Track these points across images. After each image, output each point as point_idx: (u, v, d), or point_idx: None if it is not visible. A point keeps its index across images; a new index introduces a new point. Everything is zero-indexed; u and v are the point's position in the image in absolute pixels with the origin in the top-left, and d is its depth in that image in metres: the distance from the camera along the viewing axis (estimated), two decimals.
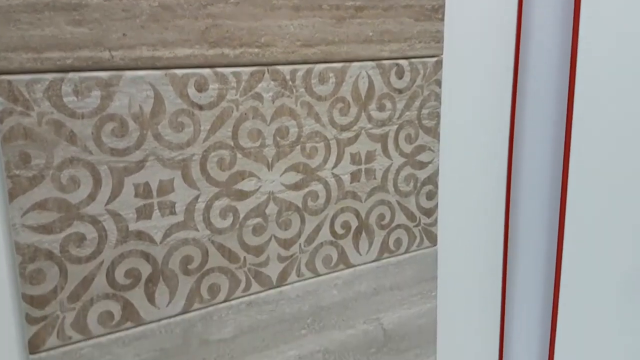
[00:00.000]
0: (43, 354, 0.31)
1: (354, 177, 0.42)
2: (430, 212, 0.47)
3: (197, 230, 0.35)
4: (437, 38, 0.43)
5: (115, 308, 0.33)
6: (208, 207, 0.36)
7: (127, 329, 0.34)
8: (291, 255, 0.40)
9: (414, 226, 0.46)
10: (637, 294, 0.46)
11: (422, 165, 0.45)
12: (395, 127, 0.43)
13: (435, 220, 0.47)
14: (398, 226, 0.45)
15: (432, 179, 0.46)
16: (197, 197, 0.35)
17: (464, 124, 0.48)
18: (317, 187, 0.40)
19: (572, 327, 0.49)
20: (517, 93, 0.49)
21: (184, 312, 0.36)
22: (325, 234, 0.41)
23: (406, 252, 0.46)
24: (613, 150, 0.49)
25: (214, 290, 0.37)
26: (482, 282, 0.52)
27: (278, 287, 0.40)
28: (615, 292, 0.47)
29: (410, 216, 0.46)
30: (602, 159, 0.49)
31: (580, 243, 0.48)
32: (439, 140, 0.46)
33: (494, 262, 0.53)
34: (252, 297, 0.39)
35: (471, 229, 0.51)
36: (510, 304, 0.55)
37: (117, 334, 0.34)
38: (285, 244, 0.39)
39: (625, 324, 0.48)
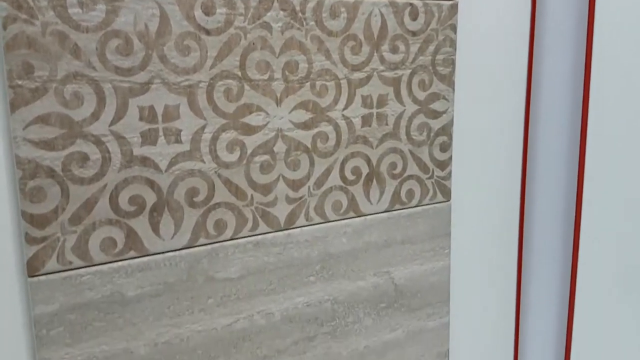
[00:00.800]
0: (42, 277, 0.31)
1: (365, 121, 0.41)
2: (444, 165, 0.46)
3: (203, 162, 0.35)
4: None
5: (119, 235, 0.33)
6: (215, 139, 0.35)
7: (130, 258, 0.33)
8: (300, 198, 0.39)
9: (427, 178, 0.45)
10: None
11: (436, 114, 0.44)
12: (409, 71, 0.42)
13: (449, 174, 0.46)
14: (410, 177, 0.44)
15: (447, 130, 0.45)
16: (203, 127, 0.34)
17: (480, 73, 0.47)
18: (327, 128, 0.39)
19: (592, 278, 0.47)
20: (535, 43, 0.48)
21: (189, 246, 0.35)
22: (335, 179, 0.40)
23: (418, 205, 0.45)
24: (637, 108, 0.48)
25: (220, 226, 0.36)
26: (497, 241, 0.51)
27: (286, 229, 0.39)
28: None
29: (423, 167, 0.44)
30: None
31: (601, 195, 0.47)
32: (453, 90, 0.45)
33: (510, 221, 0.51)
34: (259, 237, 0.38)
35: (486, 185, 0.49)
36: (527, 263, 0.53)
37: (120, 263, 0.33)
38: (294, 185, 0.38)
39: None
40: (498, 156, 0.49)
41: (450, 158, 0.46)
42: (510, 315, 0.52)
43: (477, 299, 0.50)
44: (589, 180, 0.48)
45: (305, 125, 0.38)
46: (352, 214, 0.42)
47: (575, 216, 0.49)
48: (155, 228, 0.34)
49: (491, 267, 0.51)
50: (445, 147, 0.45)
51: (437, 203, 0.46)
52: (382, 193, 0.43)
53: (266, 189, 0.37)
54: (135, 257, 0.33)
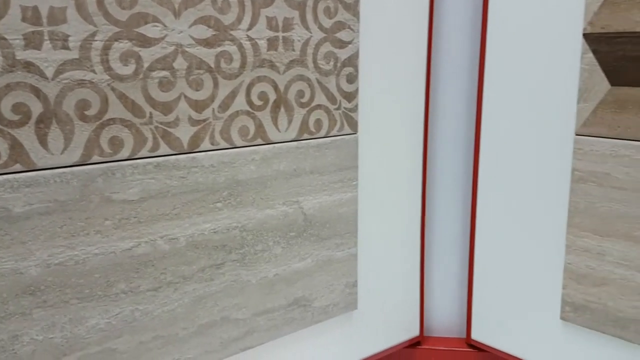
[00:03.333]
0: None
1: (271, 44, 0.40)
2: (350, 97, 0.46)
3: (94, 72, 0.33)
4: None
5: (2, 146, 0.30)
6: (106, 48, 0.33)
7: (16, 172, 0.31)
8: (204, 120, 0.38)
9: (334, 109, 0.45)
10: None
11: (342, 44, 0.44)
12: None
13: (356, 106, 0.47)
14: (318, 106, 0.44)
15: (353, 61, 0.45)
16: (93, 34, 0.32)
17: (385, 5, 0.47)
18: (231, 48, 0.38)
19: (491, 208, 0.50)
20: None
21: (81, 163, 0.33)
22: (241, 102, 0.39)
23: (327, 135, 0.45)
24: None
25: (115, 144, 0.34)
26: (403, 173, 0.52)
27: (190, 153, 0.38)
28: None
29: (331, 98, 0.45)
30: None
31: (497, 122, 0.49)
32: (358, 20, 0.45)
33: (415, 154, 0.52)
34: (161, 159, 0.36)
35: (392, 118, 0.50)
36: (431, 195, 0.55)
37: (5, 176, 0.30)
38: (197, 106, 0.37)
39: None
40: (403, 89, 0.50)
41: (357, 90, 0.46)
42: (416, 246, 0.54)
43: (384, 230, 0.51)
44: (486, 110, 0.50)
45: (207, 43, 0.37)
46: (260, 140, 0.41)
47: (475, 144, 0.51)
48: (42, 141, 0.31)
49: (397, 199, 0.52)
50: (352, 79, 0.46)
51: (344, 135, 0.46)
52: (290, 121, 0.43)
53: (166, 108, 0.36)
54: (21, 171, 0.31)
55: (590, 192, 0.43)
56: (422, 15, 0.50)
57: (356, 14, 0.45)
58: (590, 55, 0.42)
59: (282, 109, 0.42)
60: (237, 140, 0.40)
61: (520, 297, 0.50)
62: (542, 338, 0.49)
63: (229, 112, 0.39)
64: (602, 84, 0.41)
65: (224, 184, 0.40)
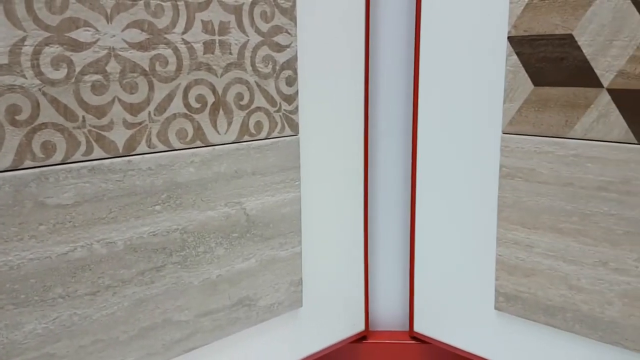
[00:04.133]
0: None
1: (208, 47, 0.41)
2: (290, 99, 0.47)
3: (24, 77, 0.33)
4: None
5: None
6: (37, 53, 0.33)
7: None
8: (140, 123, 0.38)
9: (274, 111, 0.46)
10: None
11: (280, 47, 0.45)
12: (249, 0, 0.43)
13: (296, 108, 0.48)
14: (258, 109, 0.45)
15: (291, 65, 0.46)
16: (23, 39, 0.32)
17: (321, 9, 0.48)
18: (166, 51, 0.39)
19: (429, 205, 0.52)
20: None
21: (13, 168, 0.33)
22: (178, 105, 0.40)
23: (268, 137, 0.46)
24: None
25: (48, 148, 0.34)
26: (345, 173, 0.53)
27: (125, 156, 0.38)
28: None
29: (271, 100, 0.46)
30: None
31: (433, 125, 0.51)
32: (296, 24, 0.46)
33: (356, 155, 0.54)
34: (95, 163, 0.36)
35: (333, 119, 0.51)
36: (373, 194, 0.57)
37: None
38: (132, 109, 0.38)
39: None
40: (342, 91, 0.52)
41: (297, 93, 0.47)
42: (359, 243, 0.55)
43: (328, 228, 0.53)
44: (422, 110, 0.52)
45: (141, 46, 0.37)
46: (199, 143, 0.42)
47: (412, 144, 0.53)
48: None
49: (340, 198, 0.53)
50: (291, 82, 0.47)
51: (286, 136, 0.47)
52: (230, 123, 0.43)
53: (100, 112, 0.36)
54: None
55: (518, 187, 0.45)
56: (359, 18, 0.52)
57: (293, 19, 0.46)
58: (515, 57, 0.44)
59: (221, 112, 0.42)
60: (175, 143, 0.40)
61: (457, 290, 0.52)
62: (479, 328, 0.51)
63: (165, 115, 0.39)
64: (526, 84, 0.44)
65: (162, 187, 0.40)
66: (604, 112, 0.40)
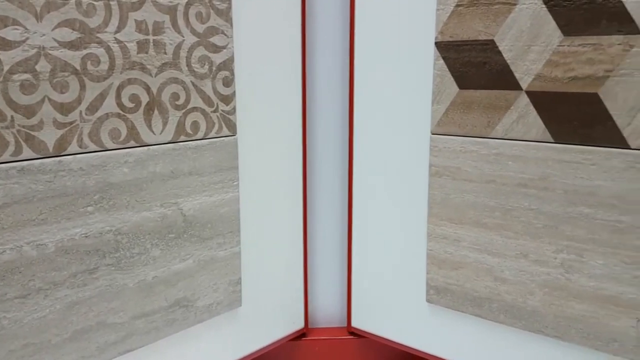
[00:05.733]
0: None
1: (142, 47, 0.41)
2: (228, 100, 0.47)
3: None
4: None
5: None
6: None
7: None
8: (71, 123, 0.38)
9: (211, 112, 0.46)
10: None
11: (217, 48, 0.46)
12: (185, 1, 0.43)
13: (234, 108, 0.48)
14: (194, 109, 0.45)
15: (228, 65, 0.47)
16: None
17: (257, 10, 0.49)
18: (98, 50, 0.38)
19: (365, 203, 0.53)
20: None
21: None
22: (110, 105, 0.39)
23: (205, 137, 0.46)
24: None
25: None
26: (284, 173, 0.54)
27: (56, 156, 0.37)
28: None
29: (207, 100, 0.46)
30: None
31: (368, 124, 0.52)
32: (232, 26, 0.47)
33: (295, 155, 0.55)
34: (25, 163, 0.36)
35: (271, 120, 0.52)
36: (312, 193, 0.58)
37: None
38: (63, 108, 0.37)
39: None
40: (280, 92, 0.53)
41: (234, 93, 0.48)
42: (299, 242, 0.56)
43: (268, 227, 0.53)
44: (358, 111, 0.53)
45: (72, 45, 0.37)
46: (133, 143, 0.41)
47: (349, 144, 0.55)
48: None
49: (279, 198, 0.54)
50: (228, 82, 0.47)
51: (223, 137, 0.48)
52: (165, 123, 0.43)
53: (29, 111, 0.35)
54: None
55: (446, 185, 0.48)
56: (295, 21, 0.53)
57: (229, 20, 0.46)
58: (442, 61, 0.46)
59: (156, 112, 0.42)
60: (108, 143, 0.40)
61: (392, 284, 0.54)
62: (412, 320, 0.53)
63: (98, 115, 0.39)
64: (452, 87, 0.46)
65: (94, 188, 0.39)
66: (523, 113, 0.43)
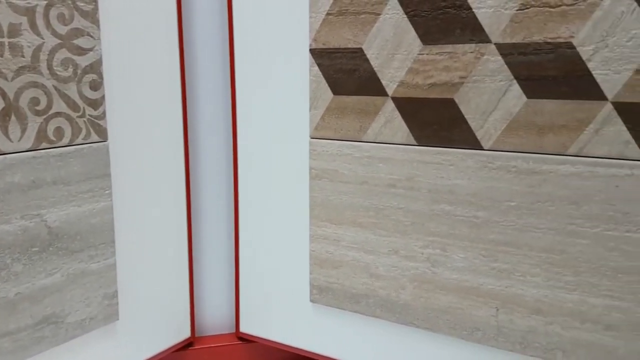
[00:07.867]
0: None
1: None
2: (96, 104, 0.45)
3: None
4: None
5: None
6: None
7: None
8: None
9: (77, 117, 0.44)
10: None
11: (82, 51, 0.44)
12: (44, 2, 0.40)
13: (104, 113, 0.46)
14: (58, 114, 0.43)
15: (95, 68, 0.45)
16: None
17: (128, 11, 0.48)
18: None
19: (251, 208, 0.53)
20: None
21: None
22: None
23: (70, 144, 0.44)
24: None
25: None
26: (164, 179, 0.53)
27: None
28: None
29: (73, 105, 0.44)
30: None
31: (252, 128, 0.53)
32: (99, 27, 0.45)
33: (176, 160, 0.54)
34: None
35: (148, 123, 0.51)
36: (196, 199, 0.57)
37: None
38: None
39: None
40: (157, 95, 0.51)
41: (104, 97, 0.46)
42: (183, 250, 0.55)
43: (147, 236, 0.52)
44: (240, 116, 0.53)
45: None
46: None
47: (233, 150, 0.54)
48: None
49: (159, 205, 0.53)
50: (97, 86, 0.45)
51: (92, 143, 0.46)
52: (24, 130, 0.41)
53: None
54: None
55: (325, 187, 0.49)
56: (170, 21, 0.52)
57: (95, 22, 0.44)
58: (316, 68, 0.48)
59: (13, 117, 0.40)
60: None
61: (278, 287, 0.54)
62: (297, 321, 0.54)
63: None
64: (327, 93, 0.48)
65: None
66: (389, 118, 0.45)
